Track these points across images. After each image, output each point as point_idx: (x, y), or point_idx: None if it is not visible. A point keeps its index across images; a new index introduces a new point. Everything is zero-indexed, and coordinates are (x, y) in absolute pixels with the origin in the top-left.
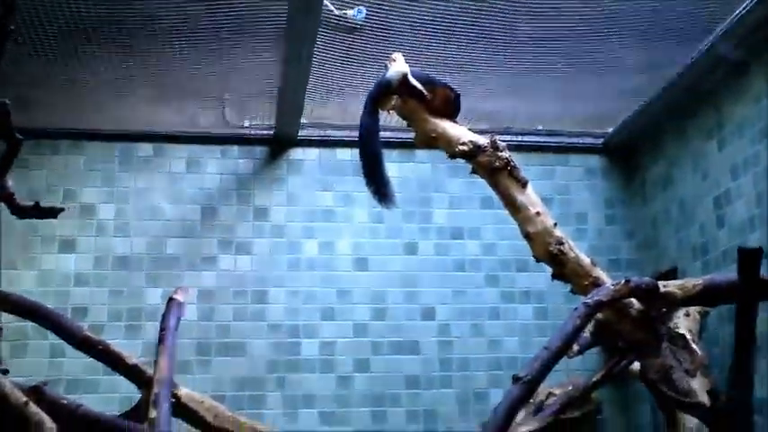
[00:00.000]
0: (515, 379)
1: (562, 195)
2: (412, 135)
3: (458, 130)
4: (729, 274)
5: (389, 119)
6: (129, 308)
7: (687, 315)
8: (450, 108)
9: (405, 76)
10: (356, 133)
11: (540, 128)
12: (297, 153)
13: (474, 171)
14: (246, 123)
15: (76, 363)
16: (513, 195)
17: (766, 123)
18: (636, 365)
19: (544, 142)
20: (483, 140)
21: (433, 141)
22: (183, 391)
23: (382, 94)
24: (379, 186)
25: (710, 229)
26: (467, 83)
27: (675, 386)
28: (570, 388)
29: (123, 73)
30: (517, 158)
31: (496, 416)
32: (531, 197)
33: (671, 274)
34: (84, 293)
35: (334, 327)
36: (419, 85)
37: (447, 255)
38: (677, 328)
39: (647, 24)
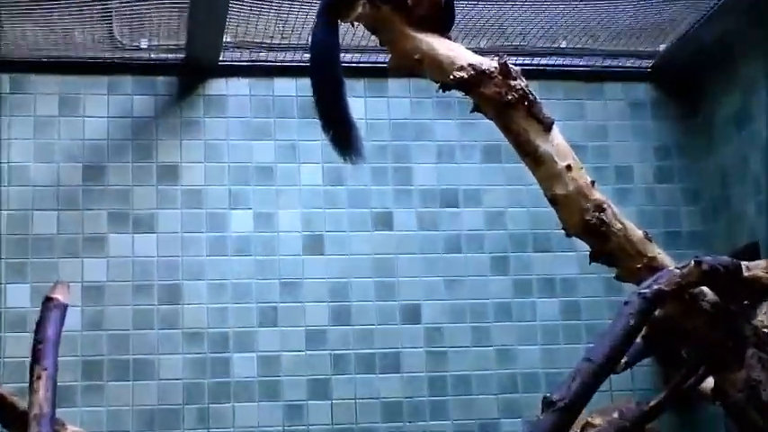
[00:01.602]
0: (546, 404)
1: (596, 141)
2: (386, 57)
3: (452, 50)
4: None
5: (353, 33)
6: None
7: None
8: (441, 17)
9: None
10: (305, 56)
11: (564, 45)
12: (218, 86)
13: (475, 108)
14: (144, 44)
15: None
16: (533, 142)
17: None
18: (709, 382)
19: (570, 66)
20: (489, 64)
21: (415, 66)
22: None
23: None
24: (339, 132)
25: None
26: None
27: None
28: (616, 416)
29: None
30: (534, 89)
31: None
32: (558, 145)
33: (751, 250)
34: None
35: (278, 335)
36: None
37: (436, 229)
38: (767, 327)
39: None
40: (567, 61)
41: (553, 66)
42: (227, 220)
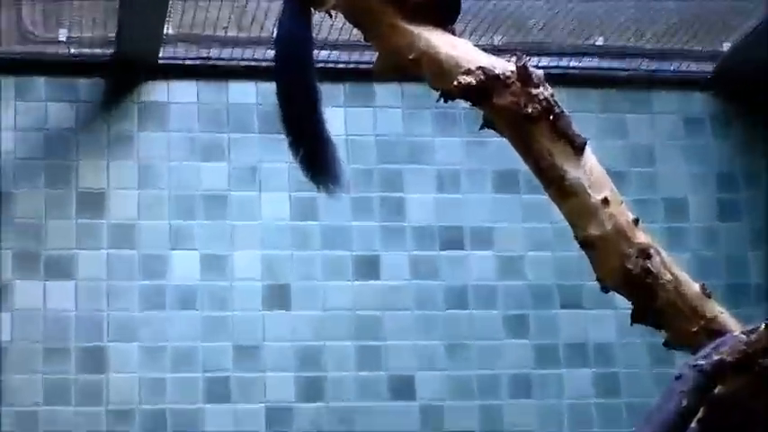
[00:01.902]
0: None
1: (641, 166)
2: (372, 56)
3: (457, 48)
4: None
5: (331, 25)
6: None
7: None
8: (443, 5)
9: None
10: (269, 54)
11: (601, 43)
12: (157, 90)
13: (486, 124)
14: (63, 35)
15: None
16: (560, 167)
17: None
18: None
19: (608, 70)
20: (503, 67)
21: (410, 68)
22: None
23: None
24: (311, 151)
25: None
26: None
27: None
28: None
29: None
30: (562, 99)
31: None
32: (592, 171)
33: None
34: None
35: (231, 414)
36: None
37: (434, 278)
38: None
39: None
40: (605, 63)
41: (586, 69)
42: (167, 265)
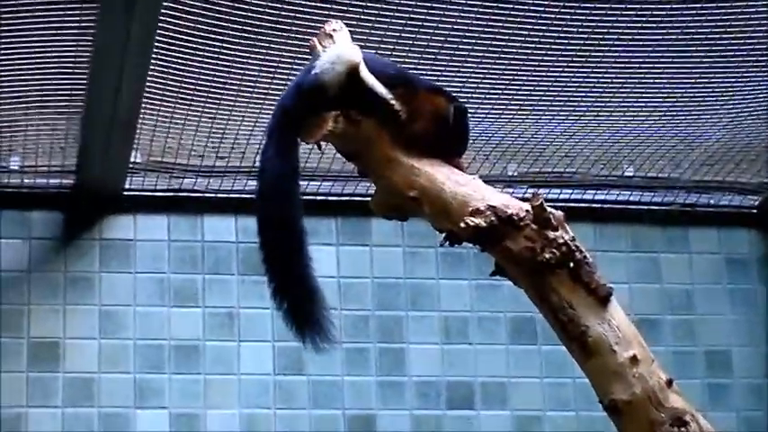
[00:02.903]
0: None
1: (677, 314)
2: (369, 188)
3: (464, 185)
4: None
5: (321, 154)
6: None
7: None
8: (447, 136)
9: (353, 70)
10: (249, 184)
11: (630, 173)
12: (122, 225)
13: (498, 271)
14: (15, 164)
15: None
16: (581, 322)
17: None
18: None
19: (639, 204)
20: (517, 206)
21: (410, 207)
22: None
23: (307, 106)
24: (298, 304)
25: None
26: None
27: None
28: None
29: None
30: (586, 239)
31: None
32: (619, 326)
33: None
34: None
35: None
36: (382, 89)
37: None
38: None
39: None
40: (636, 196)
41: (615, 203)
42: (131, 425)
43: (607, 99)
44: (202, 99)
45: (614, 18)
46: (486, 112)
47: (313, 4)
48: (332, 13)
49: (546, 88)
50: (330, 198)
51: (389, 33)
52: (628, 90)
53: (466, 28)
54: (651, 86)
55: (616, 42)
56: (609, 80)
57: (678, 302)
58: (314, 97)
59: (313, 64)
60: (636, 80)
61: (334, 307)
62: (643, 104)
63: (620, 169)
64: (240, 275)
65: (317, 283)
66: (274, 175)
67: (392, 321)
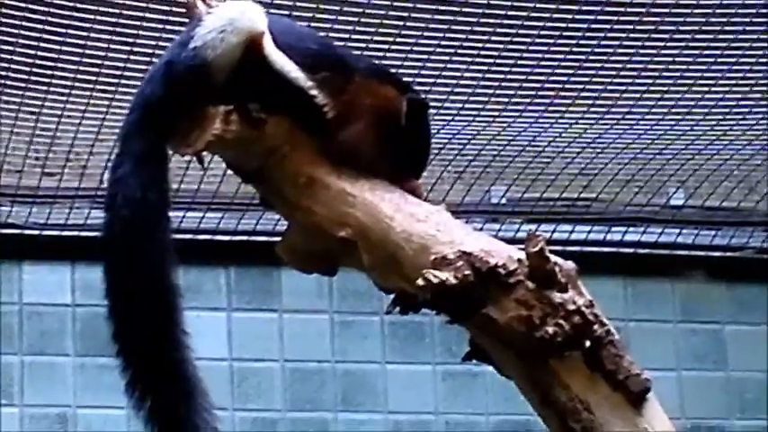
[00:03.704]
0: None
1: (752, 416)
2: (276, 228)
3: (423, 219)
4: None
5: (201, 175)
6: None
7: None
8: (397, 143)
9: (253, 43)
10: (92, 220)
11: (680, 201)
12: None
13: (474, 353)
14: None
15: None
16: (602, 428)
17: None
18: None
19: (691, 248)
20: (504, 252)
21: (339, 252)
22: None
23: (182, 98)
24: (166, 403)
25: None
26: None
27: None
28: None
29: None
30: (611, 300)
31: None
32: None
33: None
34: None
35: None
36: (298, 73)
37: None
38: None
39: None
40: (687, 236)
41: (654, 246)
42: None
43: (643, 90)
44: (20, 85)
45: None
46: (460, 106)
47: None
48: None
49: (548, 74)
50: (218, 238)
51: None
52: (673, 78)
53: None
54: (710, 71)
55: None
56: (645, 60)
57: (752, 399)
58: (192, 84)
59: (192, 32)
60: (689, 58)
61: (223, 407)
62: (697, 99)
63: (664, 195)
64: (78, 357)
65: (196, 370)
66: (131, 201)
67: (314, 428)
